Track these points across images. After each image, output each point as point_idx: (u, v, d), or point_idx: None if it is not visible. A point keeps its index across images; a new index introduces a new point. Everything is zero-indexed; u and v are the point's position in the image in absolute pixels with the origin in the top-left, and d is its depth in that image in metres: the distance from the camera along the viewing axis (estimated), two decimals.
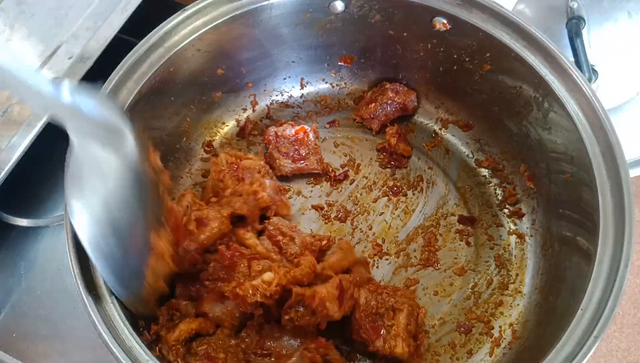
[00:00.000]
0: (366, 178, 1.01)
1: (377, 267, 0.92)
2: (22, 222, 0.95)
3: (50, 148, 0.91)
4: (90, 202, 0.58)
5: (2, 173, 0.79)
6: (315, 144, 1.00)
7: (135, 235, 0.65)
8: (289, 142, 0.98)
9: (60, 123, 0.53)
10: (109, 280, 0.66)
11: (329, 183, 1.00)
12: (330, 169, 1.01)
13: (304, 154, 0.98)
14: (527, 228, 0.94)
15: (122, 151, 0.59)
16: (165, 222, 0.70)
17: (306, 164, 0.98)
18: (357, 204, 0.98)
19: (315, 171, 0.99)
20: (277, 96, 1.06)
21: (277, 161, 0.97)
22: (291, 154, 0.98)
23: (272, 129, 0.99)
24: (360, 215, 0.97)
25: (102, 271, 0.64)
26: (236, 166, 0.91)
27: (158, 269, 0.71)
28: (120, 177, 0.60)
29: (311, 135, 1.00)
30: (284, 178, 0.99)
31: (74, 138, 0.56)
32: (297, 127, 1.00)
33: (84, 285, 0.68)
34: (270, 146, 0.98)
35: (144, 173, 0.64)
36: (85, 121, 0.54)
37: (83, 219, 0.58)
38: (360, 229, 0.96)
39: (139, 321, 0.76)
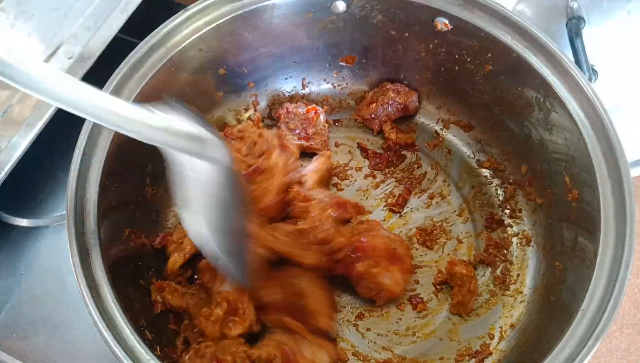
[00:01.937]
0: (366, 177, 1.01)
1: None
2: (22, 222, 0.95)
3: (50, 148, 0.91)
4: (197, 211, 0.65)
5: (2, 173, 0.79)
6: (324, 126, 1.01)
7: (238, 226, 0.73)
8: (298, 119, 1.01)
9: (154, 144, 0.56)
10: (229, 270, 0.72)
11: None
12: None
13: (310, 133, 1.00)
14: (528, 228, 0.94)
15: (213, 156, 0.63)
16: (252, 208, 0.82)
17: (310, 144, 1.00)
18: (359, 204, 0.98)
19: (318, 151, 1.01)
20: (278, 96, 1.06)
21: (284, 135, 1.00)
22: (298, 131, 1.00)
23: (286, 105, 1.02)
24: (360, 215, 0.97)
25: (222, 265, 0.71)
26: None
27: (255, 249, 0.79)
28: (218, 181, 0.65)
29: (322, 116, 1.01)
30: None
31: (168, 155, 0.61)
32: (309, 107, 1.02)
33: (84, 284, 0.68)
34: (280, 121, 1.01)
35: (235, 171, 0.70)
36: (174, 138, 0.57)
37: (193, 228, 0.66)
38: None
39: (140, 320, 0.76)
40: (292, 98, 1.06)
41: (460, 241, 0.95)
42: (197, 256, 0.90)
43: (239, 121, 1.04)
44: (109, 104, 0.49)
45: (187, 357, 0.76)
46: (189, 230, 0.67)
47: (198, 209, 0.64)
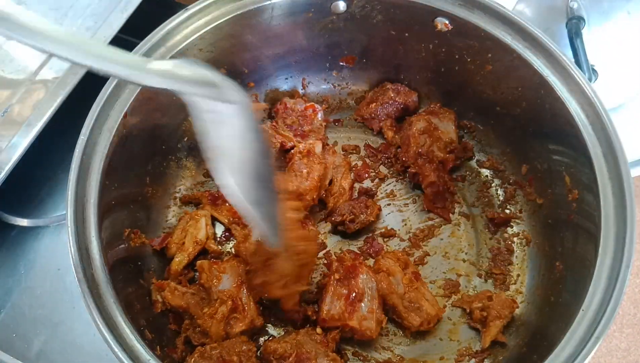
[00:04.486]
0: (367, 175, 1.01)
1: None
2: (22, 222, 0.95)
3: (50, 148, 0.91)
4: (226, 160, 0.62)
5: (2, 173, 0.79)
6: (321, 125, 1.01)
7: (266, 173, 0.68)
8: (295, 115, 1.00)
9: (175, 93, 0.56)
10: (264, 227, 0.68)
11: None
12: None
13: (306, 131, 1.00)
14: (528, 228, 0.94)
15: (229, 97, 0.61)
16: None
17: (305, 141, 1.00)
18: None
19: None
20: (278, 95, 1.06)
21: (280, 131, 0.99)
22: (294, 127, 1.00)
23: (285, 100, 1.02)
24: None
25: (258, 220, 0.66)
26: None
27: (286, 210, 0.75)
28: (240, 123, 0.62)
29: (319, 115, 1.01)
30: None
31: (192, 104, 0.59)
32: (308, 104, 1.01)
33: (84, 284, 0.68)
34: (278, 116, 1.01)
35: (255, 116, 0.66)
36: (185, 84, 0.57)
37: (224, 177, 0.62)
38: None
39: (140, 320, 0.76)
40: (292, 96, 1.06)
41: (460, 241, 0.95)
42: (198, 256, 0.90)
43: None
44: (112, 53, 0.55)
45: (192, 360, 0.75)
46: (220, 180, 0.63)
47: (226, 157, 0.62)
